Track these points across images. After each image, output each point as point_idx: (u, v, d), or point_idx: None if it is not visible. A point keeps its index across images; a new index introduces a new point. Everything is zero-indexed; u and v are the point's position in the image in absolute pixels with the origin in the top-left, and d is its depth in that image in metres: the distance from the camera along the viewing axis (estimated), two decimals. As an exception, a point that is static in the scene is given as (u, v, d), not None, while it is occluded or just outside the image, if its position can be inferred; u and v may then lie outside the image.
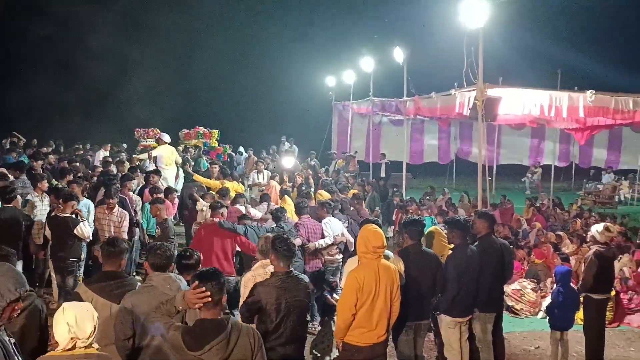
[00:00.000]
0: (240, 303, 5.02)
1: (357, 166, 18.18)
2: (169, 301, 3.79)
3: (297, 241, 7.43)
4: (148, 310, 4.09)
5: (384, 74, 16.60)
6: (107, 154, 15.19)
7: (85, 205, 8.72)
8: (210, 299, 3.55)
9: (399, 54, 13.62)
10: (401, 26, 23.29)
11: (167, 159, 13.22)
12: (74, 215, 7.85)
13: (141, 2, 23.26)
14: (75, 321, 3.17)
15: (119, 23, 23.21)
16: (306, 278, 5.00)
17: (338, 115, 22.64)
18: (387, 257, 5.35)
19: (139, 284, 4.70)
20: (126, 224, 8.51)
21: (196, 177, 11.93)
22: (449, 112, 11.28)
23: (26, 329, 4.03)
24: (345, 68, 20.14)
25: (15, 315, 3.24)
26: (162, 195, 9.13)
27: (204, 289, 3.54)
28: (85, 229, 7.84)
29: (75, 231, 7.74)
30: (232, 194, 11.27)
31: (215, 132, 17.81)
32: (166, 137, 13.75)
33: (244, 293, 5.04)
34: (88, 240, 8.08)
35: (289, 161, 15.21)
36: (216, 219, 7.63)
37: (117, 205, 8.53)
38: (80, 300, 4.26)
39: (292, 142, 21.30)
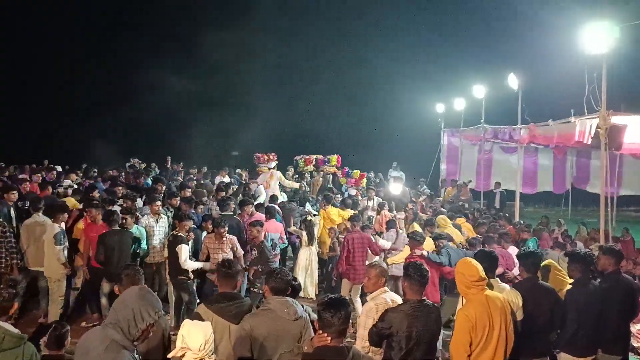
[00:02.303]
0: (360, 332, 5.05)
1: (470, 195, 17.78)
2: (300, 347, 3.94)
3: None
4: (266, 333, 4.24)
5: (495, 100, 16.28)
6: (225, 179, 15.71)
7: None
8: (329, 339, 3.64)
9: (513, 81, 13.31)
10: (515, 52, 22.72)
11: (270, 184, 13.97)
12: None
13: (252, 33, 24.21)
14: (188, 333, 3.39)
15: (232, 49, 24.20)
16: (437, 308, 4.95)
17: (447, 142, 22.39)
18: (502, 290, 5.18)
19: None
20: (237, 245, 8.63)
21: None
22: (567, 140, 10.80)
23: (151, 347, 4.28)
24: (456, 95, 19.94)
25: (149, 336, 3.35)
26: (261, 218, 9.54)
27: (326, 335, 3.65)
28: (182, 252, 8.07)
29: (176, 249, 8.07)
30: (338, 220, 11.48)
31: (334, 158, 18.03)
32: (271, 163, 14.46)
33: (365, 322, 5.04)
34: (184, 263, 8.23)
35: (396, 188, 15.13)
36: (424, 252, 7.88)
37: (226, 234, 8.54)
38: (200, 319, 4.47)
39: (399, 169, 21.23)
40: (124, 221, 8.50)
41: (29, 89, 26.68)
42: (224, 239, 8.47)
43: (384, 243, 9.48)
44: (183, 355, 3.40)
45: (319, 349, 3.68)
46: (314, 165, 17.45)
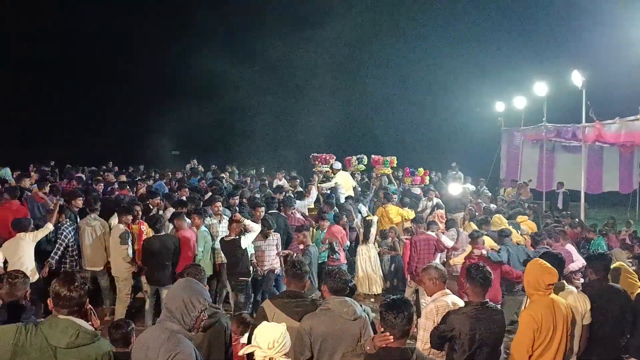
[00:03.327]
0: (420, 334, 5.01)
1: (530, 195, 17.34)
2: (362, 346, 3.90)
3: None
4: (326, 333, 4.26)
5: (557, 98, 15.85)
6: (282, 182, 15.68)
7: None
8: (392, 339, 3.67)
9: (577, 78, 12.91)
10: (578, 48, 22.03)
11: (346, 186, 13.78)
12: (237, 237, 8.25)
13: (311, 34, 24.30)
14: (259, 331, 3.44)
15: (290, 50, 24.37)
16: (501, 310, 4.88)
17: (507, 141, 21.94)
18: (570, 293, 5.07)
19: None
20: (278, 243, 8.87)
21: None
22: (635, 139, 10.45)
23: (212, 346, 4.40)
24: (516, 93, 19.51)
25: (201, 324, 3.49)
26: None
27: (388, 334, 3.67)
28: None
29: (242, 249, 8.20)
30: (396, 219, 11.45)
31: (389, 159, 17.82)
32: (337, 165, 14.34)
33: (425, 324, 4.99)
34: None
35: (455, 188, 14.90)
36: (484, 251, 7.87)
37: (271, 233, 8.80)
38: (264, 313, 4.58)
39: (457, 169, 20.89)
40: (191, 221, 8.75)
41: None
42: (270, 237, 8.77)
43: (447, 241, 9.40)
44: (253, 354, 3.44)
45: (382, 349, 3.68)
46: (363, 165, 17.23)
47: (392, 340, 3.65)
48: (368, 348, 3.77)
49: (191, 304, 3.35)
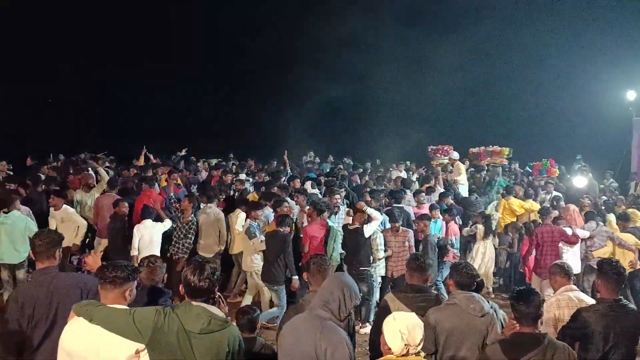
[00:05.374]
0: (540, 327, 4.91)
1: (664, 189, 16.14)
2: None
3: None
4: (451, 328, 4.25)
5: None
6: (402, 174, 15.66)
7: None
8: (518, 326, 3.85)
9: None
10: None
11: (463, 177, 13.74)
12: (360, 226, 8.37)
13: (434, 30, 23.90)
14: (407, 329, 3.40)
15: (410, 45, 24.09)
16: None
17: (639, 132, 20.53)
18: None
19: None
20: (409, 237, 8.83)
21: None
22: None
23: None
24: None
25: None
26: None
27: (514, 322, 3.88)
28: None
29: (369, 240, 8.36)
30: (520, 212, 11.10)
31: (506, 150, 17.24)
32: (455, 155, 14.11)
33: (547, 318, 4.88)
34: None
35: (580, 181, 14.21)
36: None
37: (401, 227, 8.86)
38: (387, 306, 4.63)
39: (582, 161, 19.84)
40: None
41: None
42: (400, 231, 8.76)
43: (582, 232, 9.03)
44: (407, 353, 3.43)
45: (514, 334, 3.84)
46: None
47: (517, 328, 3.86)
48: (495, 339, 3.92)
49: (349, 298, 3.63)
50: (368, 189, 11.69)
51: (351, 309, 3.66)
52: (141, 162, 14.85)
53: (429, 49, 22.66)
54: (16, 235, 8.16)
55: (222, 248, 9.40)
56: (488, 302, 4.52)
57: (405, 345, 3.37)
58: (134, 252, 8.39)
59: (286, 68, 26.39)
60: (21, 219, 8.35)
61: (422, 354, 3.48)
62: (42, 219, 9.40)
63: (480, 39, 24.17)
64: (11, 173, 13.31)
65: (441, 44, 22.41)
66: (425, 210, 9.97)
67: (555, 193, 12.52)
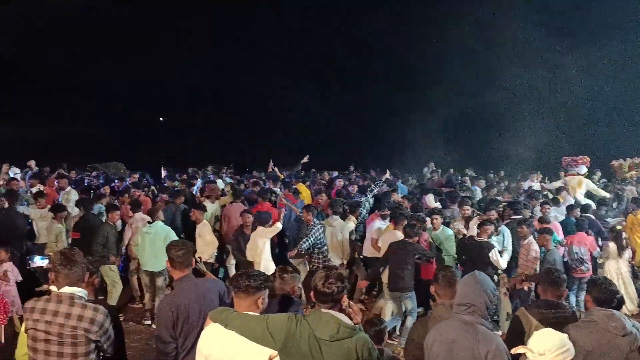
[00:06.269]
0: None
1: None
2: None
3: None
4: (591, 347, 4.02)
5: None
6: (535, 184, 14.98)
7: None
8: None
9: None
10: None
11: (573, 191, 12.99)
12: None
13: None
14: (537, 336, 3.50)
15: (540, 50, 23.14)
16: None
17: None
18: None
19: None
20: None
21: None
22: None
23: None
24: None
25: None
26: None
27: None
28: (496, 257, 8.02)
29: (490, 255, 8.04)
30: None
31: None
32: (583, 169, 13.44)
33: None
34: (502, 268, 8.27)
35: None
36: None
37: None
38: (519, 322, 4.49)
39: None
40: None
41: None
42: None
43: None
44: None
45: None
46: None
47: None
48: None
49: (493, 296, 3.74)
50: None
51: (495, 303, 3.83)
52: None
53: (574, 56, 21.60)
54: (158, 244, 8.58)
55: (346, 259, 9.48)
56: (629, 319, 4.21)
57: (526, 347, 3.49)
58: (249, 258, 8.73)
59: (409, 78, 26.26)
60: (163, 229, 8.84)
61: None
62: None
63: (632, 48, 22.65)
64: (17, 175, 13.98)
65: (586, 52, 21.25)
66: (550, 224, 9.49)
67: None
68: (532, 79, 22.78)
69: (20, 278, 8.04)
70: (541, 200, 11.30)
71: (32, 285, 7.33)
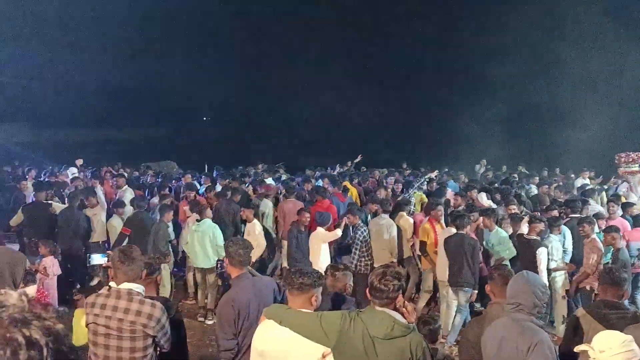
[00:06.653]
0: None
1: None
2: None
3: None
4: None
5: None
6: (586, 181, 14.82)
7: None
8: None
9: None
10: None
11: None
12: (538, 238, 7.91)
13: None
14: (600, 335, 3.44)
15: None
16: None
17: None
18: None
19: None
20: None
21: None
22: None
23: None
24: None
25: None
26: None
27: None
28: (541, 256, 7.74)
29: (537, 253, 7.78)
30: None
31: None
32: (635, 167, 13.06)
33: None
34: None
35: None
36: None
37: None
38: (577, 324, 4.39)
39: None
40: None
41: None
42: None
43: None
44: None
45: None
46: None
47: None
48: None
49: (540, 293, 3.75)
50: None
51: (546, 301, 3.83)
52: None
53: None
54: (206, 242, 8.80)
55: (395, 257, 9.33)
56: None
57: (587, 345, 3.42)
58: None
59: (463, 74, 25.91)
60: (211, 227, 8.96)
61: None
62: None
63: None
64: (74, 174, 14.22)
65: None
66: (615, 221, 9.18)
67: None
68: (591, 74, 22.15)
69: (59, 272, 8.23)
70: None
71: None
